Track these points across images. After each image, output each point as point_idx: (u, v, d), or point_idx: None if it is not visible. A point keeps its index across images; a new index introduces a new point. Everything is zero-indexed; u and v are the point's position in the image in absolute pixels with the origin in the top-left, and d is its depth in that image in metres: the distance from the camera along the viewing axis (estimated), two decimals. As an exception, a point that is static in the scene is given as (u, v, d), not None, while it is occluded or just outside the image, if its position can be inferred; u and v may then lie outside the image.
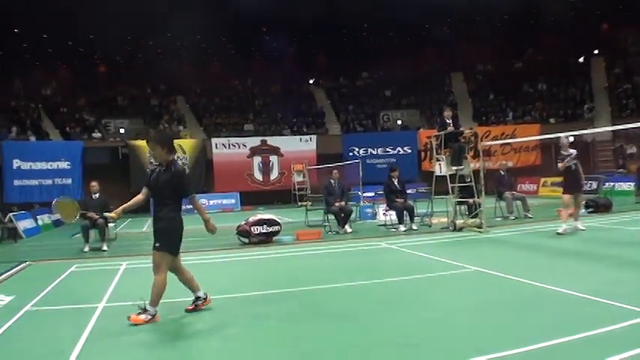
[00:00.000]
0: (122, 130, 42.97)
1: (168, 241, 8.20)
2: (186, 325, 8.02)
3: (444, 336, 6.76)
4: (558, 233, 15.51)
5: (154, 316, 8.07)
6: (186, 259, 15.10)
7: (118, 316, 8.56)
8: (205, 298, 8.70)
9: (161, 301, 8.97)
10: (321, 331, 7.28)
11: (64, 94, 45.57)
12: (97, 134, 41.17)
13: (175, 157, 8.80)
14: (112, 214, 8.76)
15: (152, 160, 38.43)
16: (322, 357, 6.28)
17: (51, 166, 36.12)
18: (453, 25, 44.77)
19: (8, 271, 13.54)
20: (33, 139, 38.23)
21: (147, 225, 27.92)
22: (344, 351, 6.40)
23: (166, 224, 8.22)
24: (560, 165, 15.97)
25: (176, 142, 38.52)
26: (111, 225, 19.75)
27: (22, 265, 14.51)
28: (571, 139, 16.49)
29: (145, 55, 46.42)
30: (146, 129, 42.52)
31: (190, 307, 8.56)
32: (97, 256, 16.39)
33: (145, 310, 8.05)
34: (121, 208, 8.60)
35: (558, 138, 16.55)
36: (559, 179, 22.06)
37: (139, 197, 8.72)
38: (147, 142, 7.88)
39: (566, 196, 15.99)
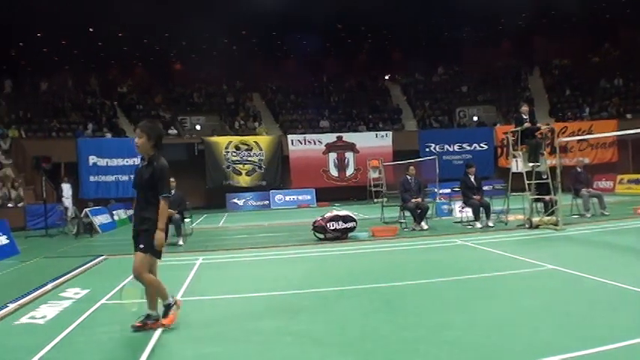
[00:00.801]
0: (198, 127, 43.79)
1: (152, 243, 7.50)
2: (259, 320, 8.08)
3: (518, 334, 6.68)
4: None
5: (175, 303, 7.78)
6: (261, 254, 15.37)
7: (193, 310, 8.77)
8: (157, 319, 7.69)
9: (234, 296, 9.15)
10: (392, 328, 7.28)
11: (140, 92, 46.54)
12: (173, 131, 41.79)
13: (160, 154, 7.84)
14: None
15: (228, 156, 39.08)
16: (391, 354, 6.29)
17: (127, 162, 36.70)
18: (528, 20, 44.12)
19: (84, 264, 13.97)
20: (109, 135, 39.02)
21: (223, 220, 28.30)
22: (414, 348, 6.40)
23: (152, 225, 7.50)
24: None
25: (253, 138, 39.40)
26: (187, 220, 20.05)
27: (97, 259, 14.93)
28: None
29: (220, 53, 46.89)
30: (222, 125, 43.16)
31: (138, 324, 7.59)
32: (173, 251, 16.51)
33: (168, 306, 7.69)
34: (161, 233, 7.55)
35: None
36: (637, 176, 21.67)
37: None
38: (135, 128, 7.10)
39: None
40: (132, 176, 36.37)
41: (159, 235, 7.47)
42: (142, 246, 7.50)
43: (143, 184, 7.61)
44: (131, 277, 8.01)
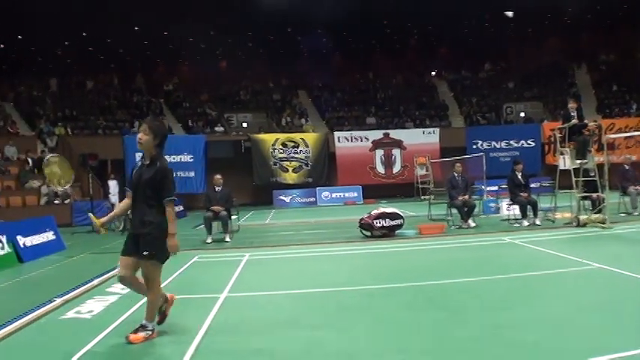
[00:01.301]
0: (245, 124, 44.27)
1: (158, 248, 7.10)
2: (305, 316, 8.18)
3: (565, 334, 6.64)
4: None
5: (152, 331, 7.24)
6: (308, 251, 15.47)
7: (240, 306, 8.93)
8: (153, 330, 7.27)
9: (281, 293, 9.26)
10: (439, 326, 7.27)
11: (186, 90, 47.22)
12: (219, 128, 42.41)
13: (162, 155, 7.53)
14: (97, 222, 7.58)
15: (274, 153, 39.34)
16: (439, 352, 6.29)
17: (174, 159, 37.11)
18: (574, 15, 43.72)
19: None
20: (156, 133, 39.50)
21: (269, 217, 28.47)
22: (462, 347, 6.40)
23: (154, 229, 7.06)
24: None
25: (299, 135, 39.60)
26: (234, 217, 20.20)
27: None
28: None
29: (266, 50, 47.19)
30: (269, 123, 43.48)
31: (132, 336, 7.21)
32: (220, 248, 16.79)
33: (143, 327, 7.20)
34: (108, 216, 7.78)
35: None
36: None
37: (126, 202, 7.49)
38: (140, 124, 6.37)
39: None
40: (179, 173, 36.93)
41: (172, 242, 7.12)
42: (145, 252, 7.04)
43: (143, 184, 7.16)
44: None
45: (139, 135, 7.28)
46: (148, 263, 7.09)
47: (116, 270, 7.52)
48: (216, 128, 42.20)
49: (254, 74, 48.48)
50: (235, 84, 48.43)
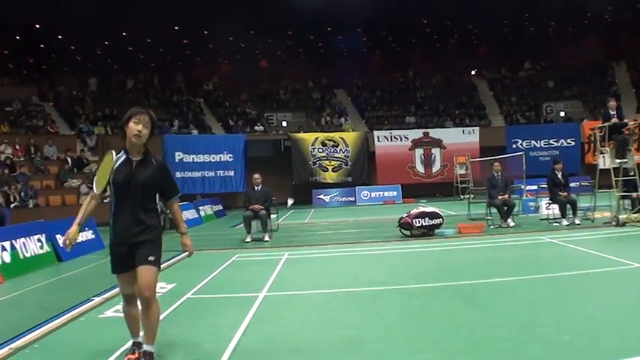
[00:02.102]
0: (284, 123, 44.45)
1: (160, 254, 6.41)
2: (343, 316, 8.22)
3: (601, 334, 6.57)
4: None
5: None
6: (347, 250, 15.57)
7: (278, 305, 9.02)
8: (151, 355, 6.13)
9: (320, 292, 9.44)
10: (477, 326, 7.24)
11: (226, 89, 47.61)
12: (259, 127, 42.69)
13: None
14: (71, 240, 6.20)
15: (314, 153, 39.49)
16: (477, 351, 6.26)
17: (213, 158, 37.65)
18: (614, 14, 43.36)
19: (170, 259, 14.07)
20: (195, 132, 39.93)
21: (309, 216, 28.58)
22: (499, 346, 6.40)
23: (156, 235, 6.39)
24: None
25: (339, 135, 39.82)
26: (273, 216, 20.32)
27: (183, 254, 15.09)
28: None
29: (305, 50, 47.42)
30: (308, 122, 43.68)
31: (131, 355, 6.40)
32: (259, 247, 16.94)
33: (149, 355, 6.13)
34: (75, 227, 6.31)
35: None
36: None
37: (93, 203, 6.63)
38: (141, 113, 5.32)
39: None
40: (218, 172, 37.18)
41: (188, 241, 6.68)
42: (151, 258, 6.18)
43: (138, 185, 6.23)
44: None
45: (139, 128, 6.31)
46: (153, 270, 6.18)
47: (119, 289, 6.71)
48: (256, 127, 42.49)
49: (293, 73, 48.82)
50: (275, 83, 48.76)
